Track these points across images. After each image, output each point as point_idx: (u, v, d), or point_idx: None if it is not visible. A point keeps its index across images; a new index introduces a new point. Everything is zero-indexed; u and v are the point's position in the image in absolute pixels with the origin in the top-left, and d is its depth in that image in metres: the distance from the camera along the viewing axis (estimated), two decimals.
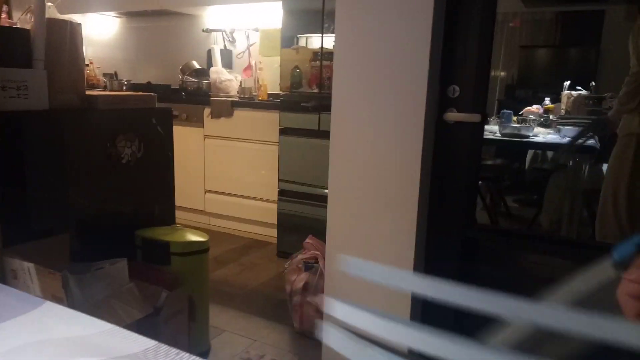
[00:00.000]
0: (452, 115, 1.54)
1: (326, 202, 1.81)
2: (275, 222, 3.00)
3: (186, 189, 3.35)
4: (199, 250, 1.83)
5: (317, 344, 1.94)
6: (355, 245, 1.76)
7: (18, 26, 1.71)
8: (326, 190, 1.81)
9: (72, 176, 1.69)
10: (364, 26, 1.58)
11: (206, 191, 3.38)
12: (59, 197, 1.66)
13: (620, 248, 0.43)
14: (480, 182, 2.81)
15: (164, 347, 0.49)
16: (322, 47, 2.91)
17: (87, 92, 1.81)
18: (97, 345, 0.49)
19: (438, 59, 1.55)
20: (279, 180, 2.94)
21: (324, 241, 1.87)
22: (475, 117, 1.49)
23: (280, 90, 3.10)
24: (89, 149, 1.73)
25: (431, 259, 1.68)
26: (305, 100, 2.83)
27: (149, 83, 3.85)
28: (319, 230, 2.12)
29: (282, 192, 2.94)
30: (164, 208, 2.03)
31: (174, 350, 0.48)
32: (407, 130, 1.57)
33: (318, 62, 2.95)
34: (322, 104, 2.73)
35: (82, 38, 1.76)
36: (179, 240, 1.80)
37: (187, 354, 0.47)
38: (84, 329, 0.52)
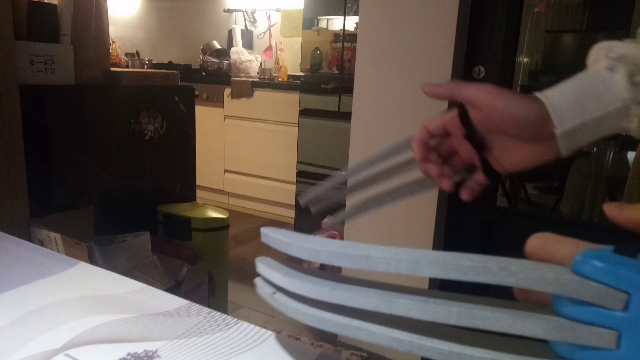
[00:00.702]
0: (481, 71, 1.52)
1: (344, 184, 1.81)
2: (293, 203, 3.02)
3: (206, 168, 3.38)
4: (219, 226, 1.85)
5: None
6: (373, 226, 1.76)
7: (46, 1, 1.73)
8: (344, 173, 1.81)
9: (95, 151, 1.72)
10: (389, 6, 1.56)
11: (225, 171, 3.41)
12: (82, 171, 1.69)
13: None
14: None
15: (196, 306, 0.50)
16: (343, 29, 2.89)
17: (112, 69, 1.83)
18: (131, 302, 0.51)
19: (464, 39, 1.53)
20: (298, 161, 2.95)
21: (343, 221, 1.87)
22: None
23: (301, 71, 3.09)
24: (112, 125, 1.75)
25: (450, 241, 1.67)
26: (325, 82, 2.82)
27: (170, 63, 3.87)
28: (336, 213, 2.13)
29: (300, 174, 2.95)
30: (185, 185, 2.05)
31: (205, 309, 0.50)
32: (430, 112, 1.55)
33: (339, 44, 2.93)
34: (343, 85, 2.72)
35: (107, 14, 1.77)
36: (200, 216, 1.83)
37: (219, 313, 0.49)
38: (119, 288, 0.54)
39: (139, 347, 0.43)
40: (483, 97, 0.46)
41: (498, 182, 1.92)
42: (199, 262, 1.75)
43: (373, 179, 0.61)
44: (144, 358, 0.42)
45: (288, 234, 0.37)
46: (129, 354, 0.42)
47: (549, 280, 0.25)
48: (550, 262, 0.28)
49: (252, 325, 0.47)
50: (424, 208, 1.64)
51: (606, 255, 0.25)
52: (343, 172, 0.61)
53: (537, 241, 0.30)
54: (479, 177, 0.52)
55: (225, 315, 0.48)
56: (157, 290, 0.53)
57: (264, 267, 0.39)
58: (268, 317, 2.03)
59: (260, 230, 0.39)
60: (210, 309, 0.49)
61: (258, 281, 0.39)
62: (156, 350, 0.43)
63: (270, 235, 0.38)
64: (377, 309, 0.28)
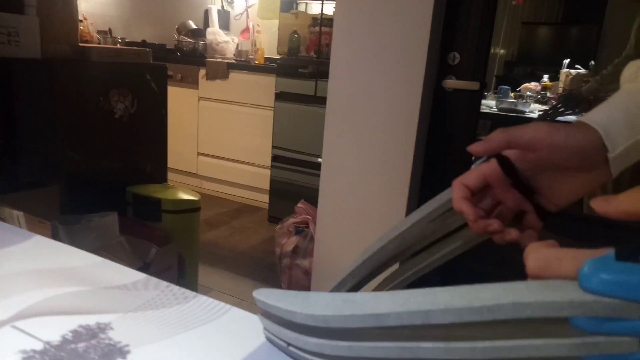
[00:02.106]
0: (451, 83, 1.52)
1: (319, 170, 1.80)
2: (268, 188, 3.00)
3: (179, 150, 3.32)
4: (190, 208, 1.83)
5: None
6: (346, 211, 1.76)
7: None
8: (320, 159, 1.80)
9: (62, 128, 1.66)
10: None
11: (199, 154, 3.36)
12: (48, 149, 1.64)
13: (477, 162, 0.48)
14: (473, 158, 2.80)
15: (153, 280, 0.49)
16: (322, 13, 2.86)
17: (81, 45, 1.77)
18: (87, 275, 0.49)
19: (440, 25, 1.53)
20: (273, 146, 2.92)
21: (316, 206, 1.87)
22: (474, 85, 1.48)
23: (278, 54, 3.06)
24: (81, 102, 1.70)
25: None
26: (302, 65, 2.79)
27: (143, 41, 3.77)
28: (311, 198, 2.12)
29: (275, 158, 2.93)
30: (156, 166, 2.01)
31: (164, 283, 0.48)
32: (405, 97, 1.56)
33: (317, 28, 2.90)
34: (320, 70, 2.70)
35: None
36: (171, 197, 1.80)
37: (177, 287, 0.48)
38: (75, 261, 0.52)
39: (91, 320, 0.42)
40: (542, 137, 0.43)
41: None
42: (168, 244, 1.72)
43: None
44: (96, 330, 0.40)
45: (285, 297, 0.36)
46: (80, 326, 0.41)
47: (564, 307, 0.25)
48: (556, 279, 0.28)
49: (210, 299, 0.46)
50: (397, 194, 1.64)
51: (610, 265, 0.25)
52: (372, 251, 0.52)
53: (537, 262, 0.29)
54: (532, 221, 0.48)
55: (184, 290, 0.47)
56: (115, 264, 0.52)
57: (269, 321, 0.38)
58: (239, 300, 2.03)
59: (254, 296, 0.38)
60: (168, 283, 0.48)
61: (263, 321, 0.39)
62: (109, 323, 0.41)
63: (269, 303, 0.36)
64: (401, 356, 0.29)
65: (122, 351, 0.38)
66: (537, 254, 0.30)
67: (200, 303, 0.45)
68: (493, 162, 0.45)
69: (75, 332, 0.40)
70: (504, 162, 0.45)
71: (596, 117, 0.43)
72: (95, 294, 0.46)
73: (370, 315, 0.29)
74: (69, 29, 1.71)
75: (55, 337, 0.39)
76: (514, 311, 0.26)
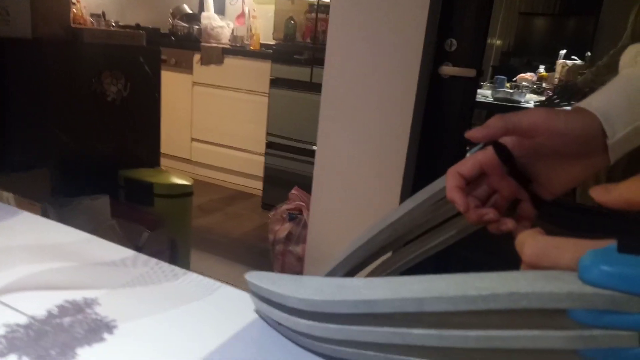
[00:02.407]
0: (448, 69, 1.51)
1: (314, 157, 1.79)
2: (262, 175, 2.99)
3: (172, 136, 3.30)
4: (183, 193, 1.82)
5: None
6: (340, 198, 1.76)
7: None
8: (314, 147, 1.79)
9: (54, 110, 1.64)
10: None
11: (192, 139, 3.34)
12: (39, 131, 1.62)
13: (472, 150, 0.46)
14: (468, 148, 2.80)
15: (143, 257, 0.48)
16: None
17: (73, 26, 1.74)
18: (75, 251, 0.48)
19: (437, 11, 1.52)
20: (267, 133, 2.90)
21: (310, 193, 1.86)
22: (471, 72, 1.47)
23: (273, 39, 3.03)
24: (73, 83, 1.68)
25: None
26: (298, 52, 2.77)
27: (137, 25, 3.72)
28: (305, 186, 2.11)
29: (269, 145, 2.91)
30: (149, 150, 1.99)
31: (153, 260, 0.48)
32: (401, 84, 1.54)
33: (313, 15, 2.87)
34: (316, 57, 2.67)
35: None
36: (164, 182, 1.79)
37: (167, 264, 0.47)
38: (63, 237, 0.51)
39: (77, 295, 0.41)
40: (541, 122, 0.42)
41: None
42: (160, 228, 1.71)
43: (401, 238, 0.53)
44: (83, 305, 0.40)
45: (277, 280, 0.35)
46: (66, 301, 0.40)
47: (562, 298, 0.25)
48: (554, 269, 0.27)
49: (201, 277, 0.45)
50: (391, 182, 1.64)
51: (612, 257, 0.24)
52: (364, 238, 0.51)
53: (535, 250, 0.28)
54: (527, 210, 0.46)
55: (174, 267, 0.46)
56: (103, 240, 0.51)
57: (260, 301, 0.38)
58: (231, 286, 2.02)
59: (246, 278, 0.38)
60: (158, 260, 0.47)
61: (254, 301, 0.39)
62: (96, 298, 0.41)
63: (261, 286, 0.36)
64: (391, 341, 0.29)
65: (109, 326, 0.37)
66: (534, 242, 0.29)
67: (190, 280, 0.44)
68: (489, 150, 0.44)
69: (61, 307, 0.39)
70: (500, 149, 0.44)
71: (595, 102, 0.42)
72: (82, 270, 0.45)
73: (363, 302, 0.29)
74: (61, 10, 1.68)
75: (40, 312, 0.38)
76: (510, 301, 0.25)
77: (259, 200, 3.04)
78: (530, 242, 0.29)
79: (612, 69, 2.00)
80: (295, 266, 2.02)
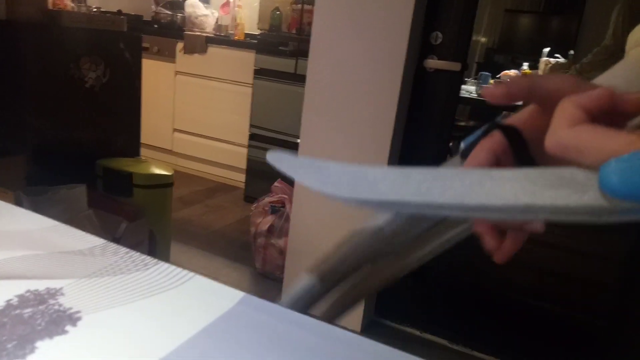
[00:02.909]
0: (433, 63, 1.50)
1: (297, 150, 1.77)
2: (244, 167, 2.96)
3: (154, 126, 3.24)
4: (163, 184, 1.78)
5: (278, 285, 1.95)
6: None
7: None
8: (298, 140, 1.77)
9: (29, 96, 1.59)
10: None
11: (174, 130, 3.29)
12: (14, 116, 1.57)
13: (468, 137, 0.39)
14: (451, 143, 2.82)
15: (112, 246, 0.46)
16: None
17: (51, 9, 1.68)
18: (40, 239, 0.46)
19: (423, 4, 1.50)
20: (250, 124, 2.87)
21: (293, 186, 1.84)
22: (456, 66, 1.46)
23: (258, 29, 2.99)
24: (49, 68, 1.62)
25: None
26: (283, 43, 2.74)
27: (119, 11, 3.63)
28: (288, 178, 2.09)
29: (252, 137, 2.88)
30: (128, 139, 1.95)
31: (123, 249, 0.45)
32: (386, 76, 1.53)
33: (299, 6, 2.83)
34: (301, 48, 2.65)
35: None
36: (143, 172, 1.75)
37: (138, 253, 0.45)
38: (26, 224, 0.49)
39: (40, 285, 0.39)
40: (567, 88, 0.34)
41: (448, 154, 1.94)
42: (139, 219, 1.68)
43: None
44: (45, 296, 0.37)
45: (320, 171, 0.29)
46: (28, 291, 0.38)
47: (580, 212, 0.22)
48: (587, 157, 0.23)
49: (172, 267, 0.43)
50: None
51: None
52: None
53: (574, 133, 0.24)
54: None
55: (145, 256, 0.44)
56: (72, 228, 0.48)
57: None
58: (212, 279, 2.00)
59: (267, 157, 0.31)
60: (128, 249, 0.45)
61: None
62: (60, 288, 0.38)
63: (287, 160, 0.31)
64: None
65: (72, 318, 0.35)
66: (573, 133, 0.24)
67: (162, 270, 0.42)
68: (497, 136, 0.37)
69: (21, 298, 0.37)
70: (512, 134, 0.37)
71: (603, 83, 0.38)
72: (47, 259, 0.43)
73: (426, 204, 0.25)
74: None
75: None
76: (526, 213, 0.23)
77: (241, 192, 3.01)
78: (568, 130, 0.24)
79: (595, 67, 2.02)
80: (277, 259, 2.00)
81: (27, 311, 0.35)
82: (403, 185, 0.25)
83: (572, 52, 3.29)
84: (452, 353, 1.72)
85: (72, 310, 0.36)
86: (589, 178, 0.22)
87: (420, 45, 1.54)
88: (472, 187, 0.24)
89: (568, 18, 3.72)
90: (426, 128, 1.62)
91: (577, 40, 3.54)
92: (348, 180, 0.27)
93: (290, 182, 2.01)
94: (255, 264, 2.09)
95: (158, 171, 1.78)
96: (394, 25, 1.48)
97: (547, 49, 3.20)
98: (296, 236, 1.84)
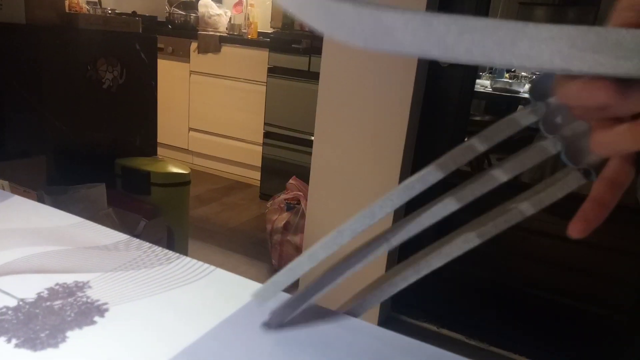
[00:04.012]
0: None
1: (311, 148, 1.78)
2: (259, 165, 2.98)
3: (169, 125, 3.28)
4: (180, 182, 1.80)
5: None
6: (338, 187, 1.75)
7: None
8: (312, 137, 1.78)
9: (49, 97, 1.63)
10: None
11: (190, 129, 3.32)
12: (34, 118, 1.60)
13: (538, 83, 0.32)
14: (467, 138, 2.80)
15: (136, 241, 0.47)
16: None
17: (68, 12, 1.72)
18: (67, 235, 0.47)
19: (436, 1, 1.50)
20: (265, 122, 2.89)
21: (308, 183, 1.86)
22: None
23: (271, 28, 3.00)
24: (68, 70, 1.66)
25: (410, 204, 1.68)
26: (296, 40, 2.75)
27: (134, 13, 3.68)
28: (302, 176, 2.10)
29: (267, 135, 2.90)
30: (145, 139, 1.98)
31: (146, 244, 0.47)
32: (399, 72, 1.53)
33: None
34: (314, 45, 2.65)
35: None
36: (160, 170, 1.77)
37: (160, 248, 0.46)
38: (53, 221, 0.50)
39: (69, 278, 0.40)
40: None
41: None
42: (157, 217, 1.70)
43: None
44: (74, 289, 0.39)
45: None
46: (57, 284, 0.39)
47: None
48: None
49: (194, 261, 0.44)
50: (389, 171, 1.63)
51: None
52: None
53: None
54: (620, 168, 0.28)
55: (167, 251, 0.46)
56: (96, 224, 0.50)
57: None
58: None
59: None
60: (151, 244, 0.46)
61: None
62: (87, 282, 0.40)
63: None
64: None
65: (100, 309, 0.36)
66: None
67: (184, 264, 0.44)
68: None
69: (51, 290, 0.38)
70: None
71: None
72: (74, 254, 0.44)
73: None
74: None
75: (30, 295, 0.37)
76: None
77: (256, 190, 3.03)
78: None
79: None
80: (293, 256, 2.02)
81: (57, 303, 0.37)
82: (425, 37, 0.21)
83: None
84: (470, 348, 1.72)
85: (99, 302, 0.37)
86: (637, 43, 0.19)
87: None
88: (503, 45, 0.20)
89: (584, 10, 3.66)
90: (441, 123, 1.62)
91: None
92: (363, 26, 0.23)
93: (305, 179, 2.02)
94: (272, 261, 2.11)
95: (175, 170, 1.80)
96: None
97: None
98: (312, 232, 1.85)
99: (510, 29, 0.20)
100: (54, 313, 0.35)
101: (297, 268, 0.34)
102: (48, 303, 0.36)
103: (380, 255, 0.35)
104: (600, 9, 3.48)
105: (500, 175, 0.33)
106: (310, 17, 0.25)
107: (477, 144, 0.32)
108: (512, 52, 0.20)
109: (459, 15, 0.21)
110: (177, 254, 0.45)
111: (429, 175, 0.32)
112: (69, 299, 0.37)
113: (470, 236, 0.33)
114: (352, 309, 0.37)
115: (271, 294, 0.34)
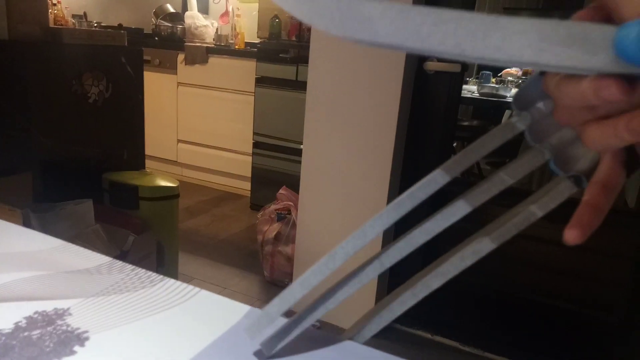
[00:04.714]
0: (432, 65, 1.50)
1: (301, 156, 1.78)
2: (249, 175, 2.96)
3: (158, 138, 3.26)
4: (168, 195, 1.79)
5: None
6: (328, 196, 1.74)
7: None
8: (301, 146, 1.77)
9: (34, 113, 1.61)
10: None
11: (179, 141, 3.30)
12: (19, 134, 1.58)
13: (522, 92, 0.31)
14: (455, 143, 2.81)
15: (118, 263, 0.46)
16: None
17: (52, 26, 1.70)
18: (47, 259, 0.46)
19: (422, 4, 1.51)
20: (254, 132, 2.88)
21: (298, 193, 1.85)
22: (456, 67, 1.46)
23: (258, 38, 3.00)
24: (52, 85, 1.64)
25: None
26: (283, 50, 2.75)
27: (120, 25, 3.67)
28: (293, 185, 2.10)
29: (256, 145, 2.89)
30: (133, 152, 1.96)
31: (129, 267, 0.46)
32: (386, 79, 1.53)
33: None
34: (301, 55, 2.66)
35: None
36: (148, 184, 1.76)
37: (144, 270, 0.45)
38: (33, 245, 0.49)
39: (48, 305, 0.39)
40: None
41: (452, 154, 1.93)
42: (146, 231, 1.68)
43: None
44: (54, 316, 0.38)
45: None
46: (35, 313, 0.38)
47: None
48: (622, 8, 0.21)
49: (178, 282, 0.43)
50: (378, 179, 1.63)
51: None
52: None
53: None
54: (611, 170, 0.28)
55: (151, 273, 0.44)
56: (78, 247, 0.49)
57: None
58: (221, 289, 2.00)
59: None
60: (134, 267, 0.45)
61: None
62: (68, 309, 0.39)
63: None
64: None
65: (80, 338, 0.35)
66: None
67: (168, 287, 0.43)
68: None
69: (29, 319, 0.37)
70: None
71: None
72: (54, 279, 0.43)
73: None
74: (38, 9, 1.64)
75: (7, 325, 0.36)
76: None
77: (247, 200, 3.01)
78: None
79: None
80: (285, 266, 2.00)
81: (36, 333, 0.35)
82: (401, 27, 0.22)
83: None
84: (464, 355, 1.71)
85: (79, 331, 0.36)
86: (604, 38, 0.19)
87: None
88: (475, 37, 0.21)
89: (568, 14, 3.71)
90: (429, 130, 1.62)
91: None
92: (341, 15, 0.23)
93: (295, 188, 2.01)
94: (263, 272, 2.09)
95: (163, 183, 1.79)
96: None
97: None
98: (303, 242, 1.84)
99: (483, 20, 0.20)
100: (32, 344, 0.34)
101: (289, 296, 0.33)
102: (26, 333, 0.35)
103: (372, 277, 0.34)
104: None
105: (493, 189, 0.33)
106: (290, 4, 0.24)
107: (465, 158, 0.32)
108: (484, 43, 0.20)
109: (436, 7, 0.21)
110: (161, 276, 0.44)
111: (419, 192, 0.32)
112: (48, 328, 0.36)
113: (466, 253, 0.33)
114: (353, 339, 0.36)
115: (264, 326, 0.33)
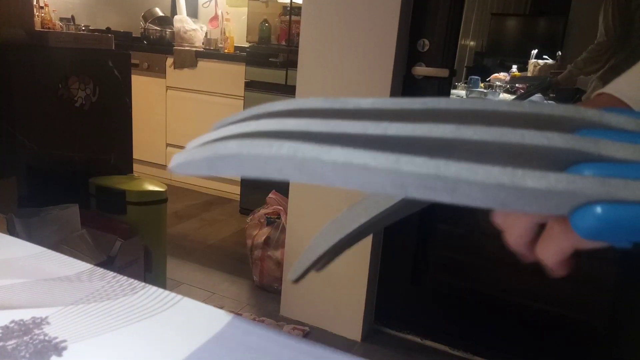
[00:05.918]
0: (421, 70, 1.51)
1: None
2: (239, 179, 2.95)
3: (147, 142, 3.24)
4: (156, 200, 1.77)
5: (277, 297, 1.94)
6: (317, 200, 1.74)
7: None
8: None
9: (19, 117, 1.59)
10: None
11: (167, 145, 3.28)
12: (5, 139, 1.56)
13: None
14: None
15: (99, 270, 0.45)
16: (291, 1, 2.81)
17: (37, 30, 1.69)
18: (26, 267, 0.45)
19: (409, 12, 1.51)
20: None
21: (287, 197, 1.84)
22: (444, 72, 1.47)
23: (247, 42, 3.00)
24: (38, 90, 1.62)
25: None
26: (273, 54, 2.75)
27: (108, 29, 3.65)
28: (282, 189, 2.09)
29: None
30: (120, 157, 1.94)
31: (110, 274, 0.45)
32: (374, 84, 1.54)
33: (287, 17, 2.85)
34: (290, 59, 2.66)
35: None
36: (136, 189, 1.74)
37: (125, 277, 0.44)
38: (13, 252, 0.48)
39: (26, 314, 0.38)
40: None
41: None
42: (134, 236, 1.67)
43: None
44: (31, 325, 0.37)
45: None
46: (12, 322, 0.37)
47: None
48: None
49: (160, 290, 0.43)
50: None
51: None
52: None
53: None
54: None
55: (132, 280, 0.44)
56: (59, 254, 0.48)
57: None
58: (210, 294, 1.99)
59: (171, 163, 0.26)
60: (115, 274, 0.45)
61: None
62: (46, 317, 0.38)
63: (194, 159, 0.25)
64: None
65: (58, 347, 0.34)
66: None
67: (150, 294, 0.42)
68: None
69: (5, 329, 0.36)
70: None
71: (627, 88, 0.34)
72: (33, 287, 0.42)
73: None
74: (24, 12, 1.63)
75: None
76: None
77: (236, 205, 3.00)
78: None
79: (588, 63, 2.04)
80: (275, 271, 2.00)
81: (11, 343, 0.35)
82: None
83: (559, 53, 3.32)
84: (454, 359, 1.71)
85: (57, 340, 0.35)
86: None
87: (407, 53, 1.55)
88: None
89: (554, 19, 3.75)
90: None
91: (565, 40, 3.57)
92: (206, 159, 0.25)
93: (285, 192, 2.00)
94: (253, 277, 2.08)
95: (151, 188, 1.77)
96: (381, 34, 1.49)
97: (535, 51, 3.22)
98: (293, 247, 1.83)
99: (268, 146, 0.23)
100: (7, 355, 0.33)
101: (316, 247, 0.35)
102: (1, 344, 0.34)
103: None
104: (569, 18, 3.58)
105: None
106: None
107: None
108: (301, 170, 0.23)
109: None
110: (143, 284, 0.43)
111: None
112: (25, 338, 0.35)
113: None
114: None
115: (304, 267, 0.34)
